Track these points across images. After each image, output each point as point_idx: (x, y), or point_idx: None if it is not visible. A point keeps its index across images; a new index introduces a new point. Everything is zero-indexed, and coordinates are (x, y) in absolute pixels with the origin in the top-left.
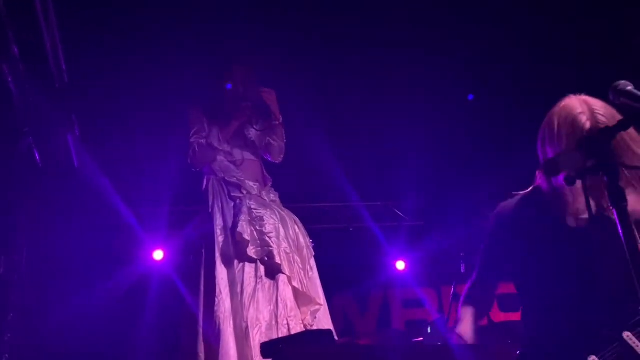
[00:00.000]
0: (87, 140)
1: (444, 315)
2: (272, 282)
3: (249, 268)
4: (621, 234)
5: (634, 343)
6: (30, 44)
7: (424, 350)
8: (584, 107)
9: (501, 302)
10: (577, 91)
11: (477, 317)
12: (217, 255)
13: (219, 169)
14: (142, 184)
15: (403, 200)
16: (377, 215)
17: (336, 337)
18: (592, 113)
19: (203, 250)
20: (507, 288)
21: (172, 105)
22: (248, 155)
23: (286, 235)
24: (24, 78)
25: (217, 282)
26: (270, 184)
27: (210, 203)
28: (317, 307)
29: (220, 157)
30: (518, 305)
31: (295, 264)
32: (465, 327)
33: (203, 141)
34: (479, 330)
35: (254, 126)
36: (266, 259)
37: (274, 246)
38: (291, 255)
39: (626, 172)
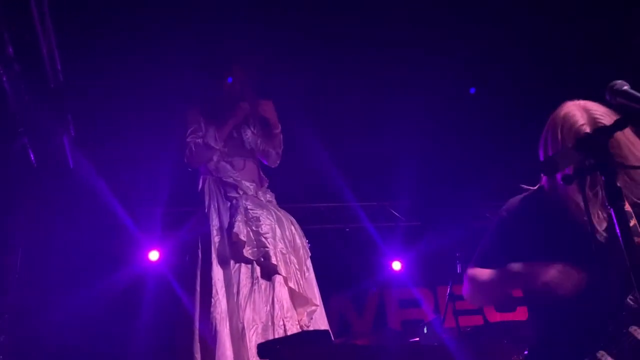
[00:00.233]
0: (82, 140)
1: (440, 316)
2: (268, 282)
3: (245, 269)
4: (618, 233)
5: None
6: (25, 44)
7: (420, 350)
8: (583, 113)
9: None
10: (576, 91)
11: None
12: (213, 255)
13: (215, 169)
14: (137, 185)
15: (399, 201)
16: (373, 216)
17: (332, 338)
18: (592, 118)
19: (199, 251)
20: None
21: (168, 106)
22: (244, 155)
23: (282, 235)
24: (19, 78)
25: (213, 283)
26: (266, 184)
27: (207, 203)
28: (314, 307)
29: (216, 157)
30: (514, 305)
31: (292, 265)
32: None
33: (200, 141)
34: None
35: (251, 127)
36: (262, 259)
37: (270, 247)
38: (287, 255)
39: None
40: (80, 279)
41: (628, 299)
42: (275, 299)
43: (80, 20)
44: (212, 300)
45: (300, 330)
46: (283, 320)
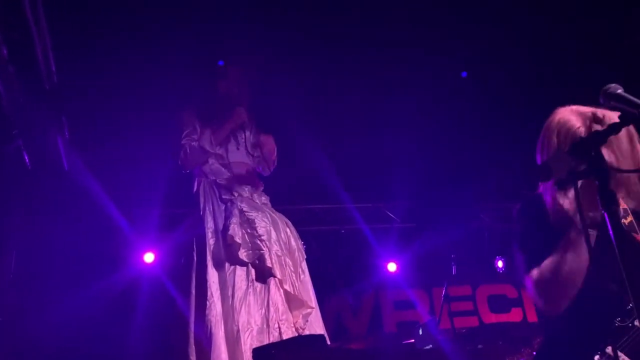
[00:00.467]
0: (77, 142)
1: (436, 317)
2: (263, 285)
3: (240, 271)
4: (612, 237)
5: None
6: (19, 45)
7: (415, 353)
8: (577, 117)
9: (491, 303)
10: (573, 92)
11: None
12: (208, 258)
13: (210, 171)
14: (133, 187)
15: (394, 202)
16: (368, 217)
17: (328, 340)
18: (586, 121)
19: (194, 253)
20: (497, 289)
21: (164, 107)
22: (240, 158)
23: (277, 238)
24: (13, 80)
25: (208, 286)
26: (261, 188)
27: (202, 205)
28: (309, 310)
29: (211, 160)
30: (509, 306)
31: (287, 267)
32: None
33: (195, 144)
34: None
35: (247, 131)
36: (257, 262)
37: (265, 249)
38: (282, 258)
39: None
40: (75, 280)
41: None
42: (271, 302)
43: (75, 21)
44: (207, 302)
45: (295, 333)
46: (278, 323)
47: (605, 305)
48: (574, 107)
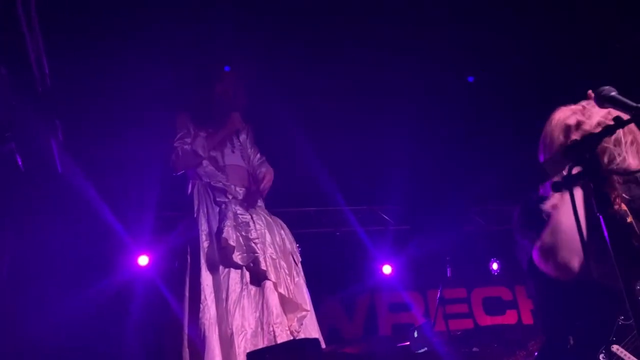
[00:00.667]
0: (71, 145)
1: (430, 319)
2: (257, 288)
3: (234, 274)
4: (607, 239)
5: None
6: (12, 46)
7: (410, 355)
8: (576, 116)
9: (487, 306)
10: (563, 100)
11: None
12: (202, 261)
13: (205, 173)
14: (127, 189)
15: (389, 205)
16: (363, 220)
17: (323, 343)
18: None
19: (188, 256)
20: (491, 292)
21: (159, 110)
22: (234, 161)
23: (272, 240)
24: (5, 82)
25: (202, 289)
26: None
27: (196, 208)
28: (304, 313)
29: (205, 162)
30: (504, 309)
31: (282, 270)
32: None
33: (187, 147)
34: None
35: (242, 134)
36: (252, 265)
37: (260, 252)
38: (277, 261)
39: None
40: (69, 284)
41: (635, 291)
42: (265, 305)
43: (69, 24)
44: (201, 305)
45: (290, 336)
46: (272, 327)
47: (608, 303)
48: (573, 107)
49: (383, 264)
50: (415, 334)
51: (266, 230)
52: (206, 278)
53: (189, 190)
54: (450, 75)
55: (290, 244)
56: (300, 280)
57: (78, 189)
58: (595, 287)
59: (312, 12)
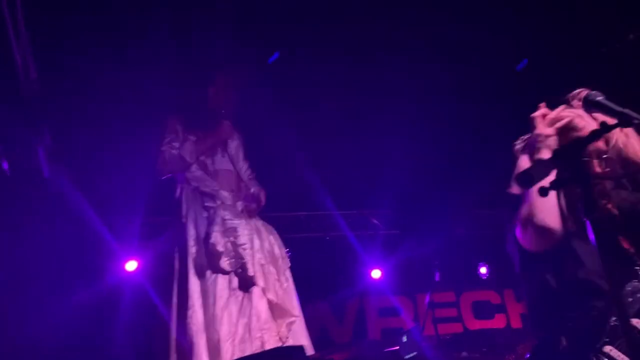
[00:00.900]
0: (58, 149)
1: (420, 324)
2: (245, 294)
3: (222, 279)
4: (594, 243)
5: None
6: None
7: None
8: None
9: (476, 310)
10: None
11: None
12: (190, 266)
13: (193, 178)
14: (114, 194)
15: (379, 209)
16: (353, 224)
17: (312, 349)
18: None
19: (175, 261)
20: (480, 296)
21: (148, 115)
22: (224, 166)
23: (261, 246)
24: None
25: (189, 294)
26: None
27: (184, 213)
28: (293, 319)
29: (194, 167)
30: (493, 313)
31: (270, 275)
32: None
33: (175, 152)
34: None
35: (232, 140)
36: (240, 270)
37: (248, 258)
38: (266, 266)
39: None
40: (56, 289)
41: (624, 293)
42: (253, 311)
43: (56, 29)
44: (189, 311)
45: (278, 342)
46: (260, 333)
47: (601, 304)
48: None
49: (372, 269)
50: (405, 339)
51: (255, 236)
52: (194, 283)
53: (177, 195)
54: (446, 79)
55: (280, 249)
56: (290, 285)
57: (65, 194)
58: (588, 288)
59: (305, 15)
